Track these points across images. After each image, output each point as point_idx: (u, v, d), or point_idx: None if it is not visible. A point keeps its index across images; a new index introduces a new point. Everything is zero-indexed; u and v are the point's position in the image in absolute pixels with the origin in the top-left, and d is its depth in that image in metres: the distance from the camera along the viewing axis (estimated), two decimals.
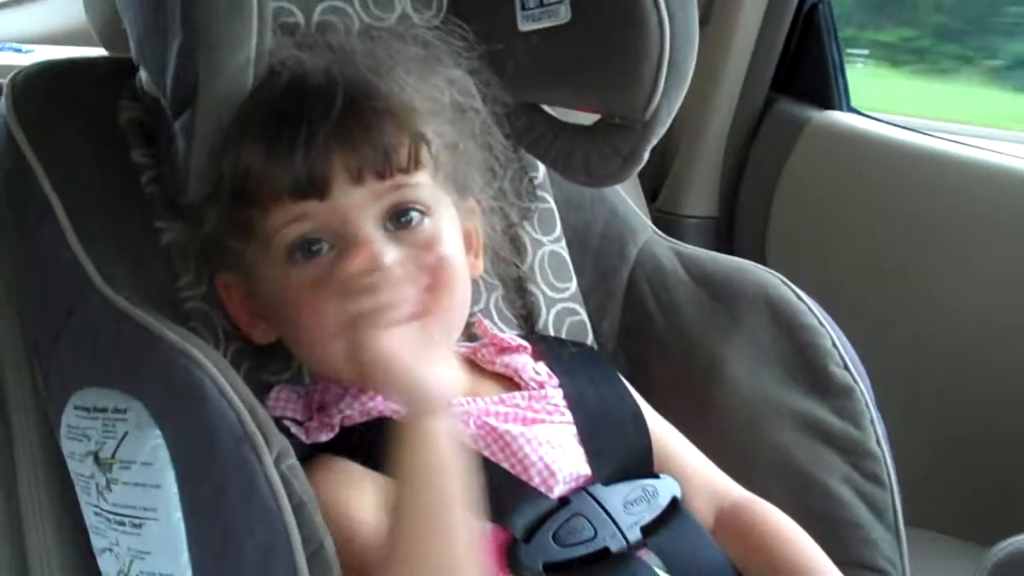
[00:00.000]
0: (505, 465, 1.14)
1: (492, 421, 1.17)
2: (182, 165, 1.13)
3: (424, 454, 1.01)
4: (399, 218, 1.14)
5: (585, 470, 1.18)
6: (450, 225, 1.18)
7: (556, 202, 1.48)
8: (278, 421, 1.09)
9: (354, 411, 1.15)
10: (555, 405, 1.23)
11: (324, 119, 1.09)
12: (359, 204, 1.11)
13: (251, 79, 1.10)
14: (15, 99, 1.22)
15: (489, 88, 1.26)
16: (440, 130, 1.17)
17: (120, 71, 1.25)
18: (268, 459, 0.99)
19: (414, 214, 1.14)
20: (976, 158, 1.99)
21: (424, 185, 1.15)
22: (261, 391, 1.12)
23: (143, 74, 1.21)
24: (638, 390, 1.32)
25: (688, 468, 1.26)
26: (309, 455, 1.11)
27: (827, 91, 2.16)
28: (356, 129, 1.10)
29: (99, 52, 1.41)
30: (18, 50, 2.30)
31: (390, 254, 1.10)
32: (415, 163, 1.14)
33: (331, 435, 1.14)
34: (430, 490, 1.01)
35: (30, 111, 1.22)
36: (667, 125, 1.31)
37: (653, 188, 2.24)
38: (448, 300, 1.15)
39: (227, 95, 1.09)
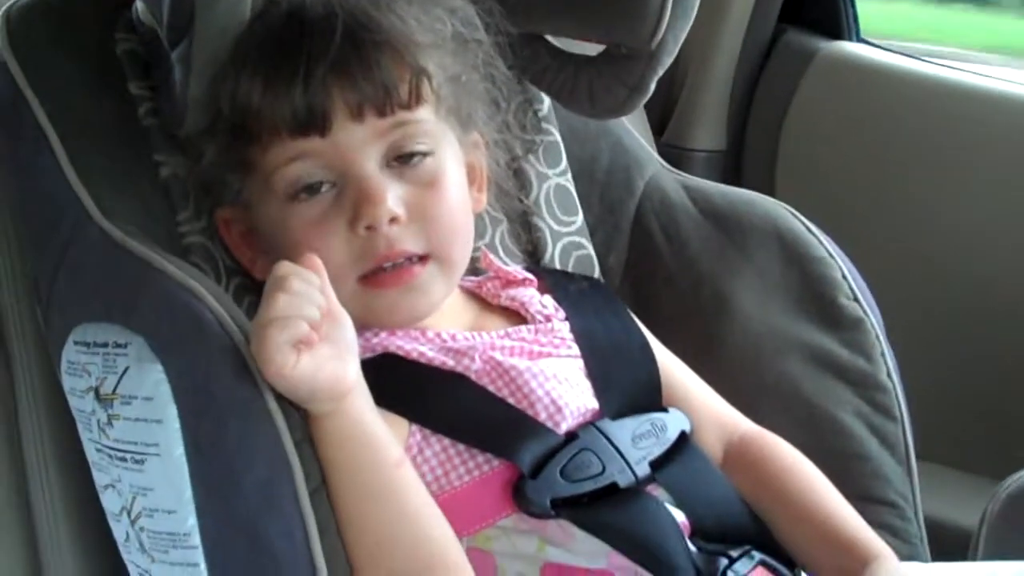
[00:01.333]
0: (511, 400, 1.13)
1: (498, 356, 1.16)
2: (179, 97, 1.11)
3: (337, 430, 1.01)
4: (401, 156, 1.13)
5: (593, 404, 1.17)
6: (453, 161, 1.18)
7: (561, 135, 1.46)
8: None
9: (358, 348, 1.14)
10: (562, 339, 1.22)
11: (324, 53, 1.08)
12: (360, 142, 1.10)
13: (249, 8, 1.08)
14: (9, 30, 1.20)
15: (492, 18, 1.24)
16: (442, 63, 1.16)
17: (116, 1, 1.23)
18: (270, 394, 0.98)
19: (417, 151, 1.13)
20: (985, 86, 1.98)
21: (426, 121, 1.14)
22: None
23: (139, 4, 1.19)
24: (645, 323, 1.31)
25: (696, 402, 1.26)
26: None
27: (836, 21, 2.15)
28: (356, 64, 1.09)
29: None
30: None
31: (392, 193, 1.10)
32: (416, 99, 1.12)
33: None
34: (361, 461, 1.01)
35: (25, 42, 1.20)
36: (674, 55, 1.30)
37: (660, 121, 2.22)
38: (450, 238, 1.15)
39: (224, 25, 1.08)
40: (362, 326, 1.14)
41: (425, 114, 1.14)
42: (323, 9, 1.10)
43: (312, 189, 1.11)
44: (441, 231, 1.14)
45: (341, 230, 1.10)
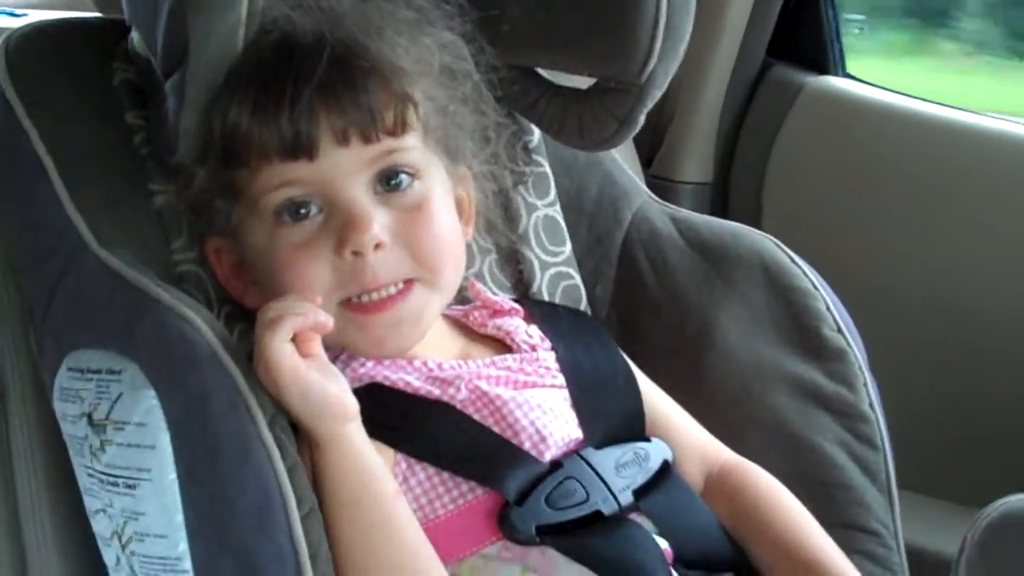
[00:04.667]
0: (496, 429, 1.14)
1: (483, 385, 1.17)
2: (172, 126, 1.12)
3: (343, 458, 1.03)
4: (388, 181, 1.13)
5: (577, 434, 1.18)
6: (440, 189, 1.18)
7: (551, 166, 1.47)
8: None
9: (345, 377, 1.14)
10: (547, 368, 1.23)
11: (310, 76, 1.09)
12: (347, 167, 1.11)
13: (242, 40, 1.09)
14: (9, 60, 1.21)
15: (483, 54, 1.25)
16: (430, 93, 1.17)
17: (113, 32, 1.25)
18: (262, 421, 0.99)
19: (403, 177, 1.14)
20: (970, 122, 1.99)
21: (413, 148, 1.15)
22: None
23: (135, 35, 1.20)
24: (631, 354, 1.32)
25: (679, 432, 1.26)
26: None
27: (823, 56, 2.17)
28: (342, 87, 1.10)
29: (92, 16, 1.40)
30: (11, 14, 2.29)
31: (378, 220, 1.10)
32: (402, 125, 1.13)
33: None
34: (363, 493, 1.03)
35: (24, 72, 1.21)
36: (663, 89, 1.30)
37: (648, 154, 2.24)
38: (437, 259, 1.15)
39: (218, 56, 1.09)
40: (348, 355, 1.16)
41: (412, 141, 1.15)
42: (312, 35, 1.11)
43: (299, 213, 1.11)
44: (427, 253, 1.14)
45: (327, 254, 1.10)
